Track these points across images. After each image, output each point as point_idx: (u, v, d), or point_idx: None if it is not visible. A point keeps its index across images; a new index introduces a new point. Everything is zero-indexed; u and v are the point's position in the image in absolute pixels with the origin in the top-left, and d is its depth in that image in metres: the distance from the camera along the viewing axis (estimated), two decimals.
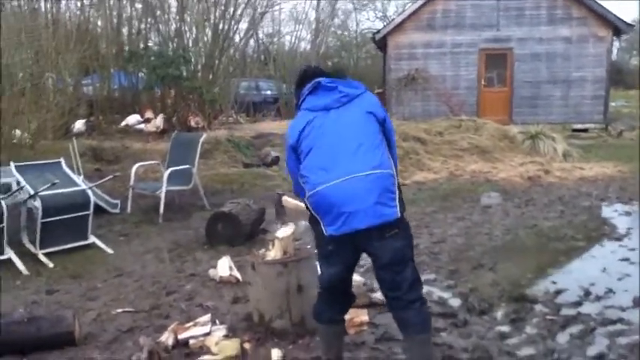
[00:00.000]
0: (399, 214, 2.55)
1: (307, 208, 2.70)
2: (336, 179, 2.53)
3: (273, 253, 3.53)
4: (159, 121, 10.79)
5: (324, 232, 2.59)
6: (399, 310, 2.67)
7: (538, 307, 3.91)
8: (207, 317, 3.54)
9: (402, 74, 16.52)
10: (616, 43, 28.09)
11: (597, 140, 14.37)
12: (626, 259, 4.94)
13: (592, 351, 3.24)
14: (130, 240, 5.73)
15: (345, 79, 2.79)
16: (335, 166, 2.56)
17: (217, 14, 13.19)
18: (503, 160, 9.96)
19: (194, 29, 12.86)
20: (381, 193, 2.52)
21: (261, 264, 3.47)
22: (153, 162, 7.71)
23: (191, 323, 3.47)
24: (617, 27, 16.48)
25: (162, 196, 6.38)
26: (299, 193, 2.86)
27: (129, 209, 6.70)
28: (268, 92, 20.18)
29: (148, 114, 11.21)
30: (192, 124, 11.28)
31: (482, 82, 16.60)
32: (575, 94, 16.61)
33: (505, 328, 3.57)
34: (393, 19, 18.14)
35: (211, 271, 4.56)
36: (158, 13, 13.02)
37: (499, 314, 3.81)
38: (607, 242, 5.53)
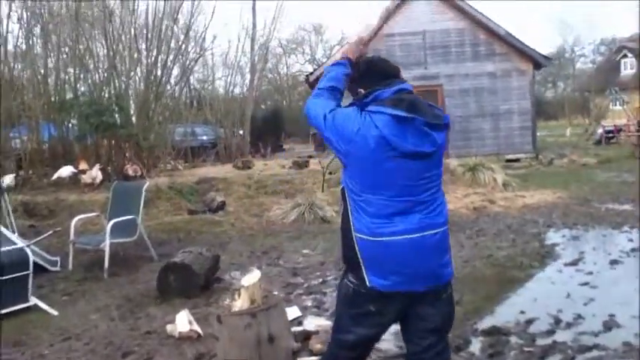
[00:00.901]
0: (453, 272, 2.40)
1: (348, 244, 2.32)
2: (407, 234, 2.22)
3: (240, 303, 3.32)
4: (95, 172, 10.32)
5: (367, 282, 2.26)
6: None
7: (513, 339, 3.86)
8: None
9: None
10: None
11: (530, 169, 14.91)
12: (586, 284, 5.00)
13: None
14: (75, 299, 5.31)
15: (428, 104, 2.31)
16: (406, 215, 2.23)
17: (149, 61, 12.99)
18: (447, 193, 9.90)
19: (124, 77, 12.53)
20: (444, 254, 2.34)
21: (228, 316, 3.24)
22: (93, 214, 7.31)
23: None
24: (536, 61, 17.47)
25: (107, 249, 5.99)
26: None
27: (70, 266, 6.25)
28: (204, 137, 19.92)
29: (83, 165, 10.72)
30: (130, 172, 10.86)
31: None
32: (505, 125, 17.34)
33: None
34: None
35: (169, 327, 4.25)
36: (87, 60, 12.63)
37: (476, 349, 3.72)
38: (563, 268, 5.60)
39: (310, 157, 16.26)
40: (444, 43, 17.22)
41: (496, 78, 17.24)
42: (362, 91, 2.36)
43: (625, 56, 35.65)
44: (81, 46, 12.41)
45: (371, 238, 2.24)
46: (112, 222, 6.16)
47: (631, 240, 6.51)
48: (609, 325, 4.00)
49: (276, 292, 3.54)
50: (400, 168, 2.21)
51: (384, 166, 2.20)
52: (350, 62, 2.51)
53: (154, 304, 5.04)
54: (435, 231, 2.28)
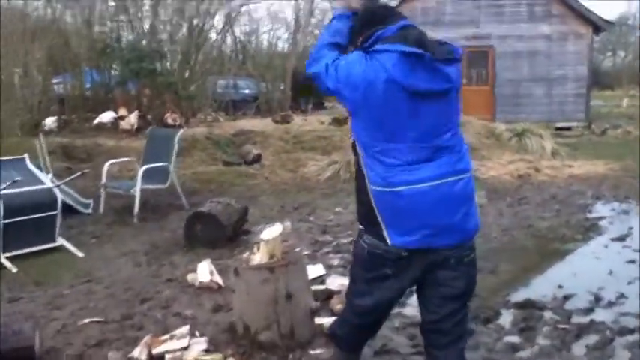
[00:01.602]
0: (479, 225, 2.18)
1: (363, 202, 2.15)
2: (422, 183, 2.01)
3: (259, 257, 3.16)
4: (133, 119, 10.32)
5: (388, 240, 2.07)
6: (437, 350, 2.23)
7: (547, 314, 3.61)
8: (185, 329, 3.16)
9: None
10: None
11: (581, 139, 14.25)
12: (632, 262, 4.67)
13: None
14: (102, 242, 5.31)
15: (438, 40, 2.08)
16: (425, 163, 2.03)
17: (191, 10, 12.78)
18: (491, 158, 9.69)
19: (168, 25, 12.40)
20: (470, 204, 2.12)
21: (246, 269, 3.10)
22: (126, 159, 7.28)
23: (167, 335, 3.08)
24: (596, 24, 16.44)
25: (137, 195, 5.96)
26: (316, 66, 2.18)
27: (101, 210, 6.26)
28: (247, 91, 19.74)
29: (122, 111, 10.73)
30: (170, 121, 10.81)
31: (464, 80, 16.40)
32: (557, 92, 16.51)
33: (514, 339, 3.26)
34: None
35: (190, 276, 4.17)
36: (131, 10, 12.53)
37: (506, 322, 3.49)
38: (609, 243, 5.25)
39: None
40: (498, 1, 16.36)
41: (552, 41, 16.31)
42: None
43: None
44: None
45: (389, 189, 2.03)
46: (143, 168, 6.12)
47: None
48: None
49: (297, 249, 3.37)
50: (414, 110, 2.01)
51: (397, 109, 2.00)
52: (354, 14, 2.26)
53: (180, 252, 4.99)
54: (459, 177, 2.07)
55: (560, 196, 7.31)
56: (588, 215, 6.33)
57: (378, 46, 2.03)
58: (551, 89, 16.49)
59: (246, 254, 3.31)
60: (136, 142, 9.36)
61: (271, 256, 3.13)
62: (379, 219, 2.08)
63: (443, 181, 2.03)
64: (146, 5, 13.00)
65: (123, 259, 4.82)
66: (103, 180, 6.31)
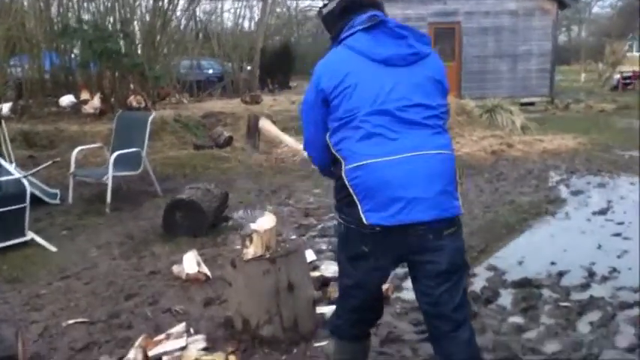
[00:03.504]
0: (459, 211, 2.05)
1: (338, 185, 2.08)
2: (395, 154, 1.93)
3: (253, 249, 2.99)
4: (97, 102, 9.89)
5: (364, 219, 1.95)
6: (443, 339, 2.11)
7: (546, 293, 3.58)
8: (181, 327, 2.99)
9: None
10: None
11: (546, 113, 14.45)
12: (618, 234, 4.71)
13: (622, 342, 2.91)
14: (74, 234, 5.02)
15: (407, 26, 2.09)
16: (393, 137, 1.96)
17: None
18: (464, 135, 9.68)
19: (131, 2, 11.86)
20: (448, 182, 1.99)
21: (245, 261, 2.93)
22: (95, 145, 6.94)
23: (162, 335, 2.90)
24: (561, 0, 16.58)
25: (109, 183, 5.68)
26: (323, 166, 2.25)
27: (70, 199, 5.95)
28: (210, 71, 19.30)
29: (85, 95, 10.26)
30: (134, 103, 10.38)
31: None
32: (522, 67, 16.66)
33: (519, 320, 3.21)
34: None
35: (175, 268, 3.98)
36: None
37: (507, 303, 3.44)
38: (592, 217, 5.28)
39: None
40: None
41: (518, 17, 16.38)
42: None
43: None
44: None
45: (361, 163, 1.95)
46: (115, 154, 5.82)
47: None
48: None
49: (283, 235, 3.21)
50: (382, 79, 1.99)
51: (364, 78, 2.00)
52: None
53: (159, 242, 4.76)
54: (437, 151, 1.98)
55: (536, 171, 7.35)
56: (567, 189, 6.36)
57: (344, 34, 2.10)
58: (516, 65, 16.60)
59: (239, 247, 3.14)
60: (100, 126, 8.99)
61: (267, 248, 2.97)
62: (354, 198, 1.98)
63: (420, 152, 1.95)
64: None
65: (99, 252, 4.56)
66: (72, 168, 5.98)
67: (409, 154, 1.94)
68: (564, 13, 39.87)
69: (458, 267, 2.06)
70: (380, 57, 2.01)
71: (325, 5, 2.26)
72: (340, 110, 2.02)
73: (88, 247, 4.70)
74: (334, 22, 2.19)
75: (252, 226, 3.00)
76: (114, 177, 5.76)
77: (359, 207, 1.96)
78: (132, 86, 10.94)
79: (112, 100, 10.72)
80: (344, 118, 2.01)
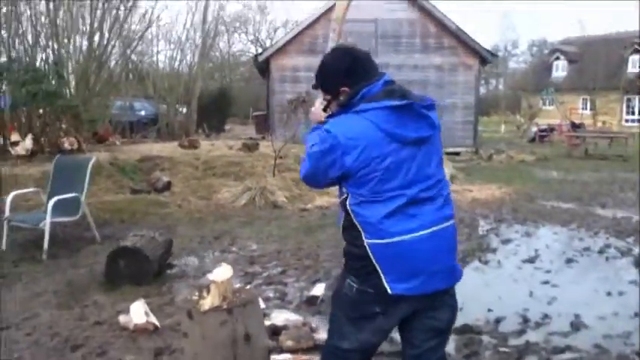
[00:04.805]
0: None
1: (355, 253, 2.12)
2: (419, 231, 2.05)
3: (210, 300, 3.03)
4: (28, 143, 9.59)
5: (388, 289, 2.05)
6: None
7: (485, 338, 3.79)
8: None
9: (289, 97, 16.40)
10: None
11: (471, 163, 15.20)
12: (547, 282, 5.03)
13: None
14: (10, 282, 4.83)
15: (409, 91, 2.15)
16: (413, 212, 2.07)
17: (89, 27, 12.19)
18: None
19: (66, 41, 11.69)
20: (456, 249, 2.22)
21: (201, 312, 2.96)
22: (31, 190, 6.74)
23: None
24: (483, 57, 17.76)
25: (47, 229, 5.52)
26: (315, 186, 2.28)
27: (3, 245, 5.73)
28: (142, 112, 19.10)
29: (15, 136, 9.92)
30: (66, 145, 10.15)
31: None
32: (448, 119, 17.51)
33: None
34: (276, 42, 18.09)
35: (122, 318, 3.92)
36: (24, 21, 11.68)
37: (450, 349, 3.60)
38: (522, 265, 5.62)
39: (263, 137, 15.92)
40: (395, 32, 17.22)
41: (443, 71, 17.42)
42: (346, 89, 2.17)
43: (557, 58, 37.14)
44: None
45: (386, 241, 2.05)
46: (54, 199, 5.68)
47: (581, 239, 6.65)
48: (577, 325, 4.00)
49: (249, 286, 3.28)
50: (406, 159, 2.06)
51: (391, 161, 2.04)
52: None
53: (101, 290, 4.67)
54: (448, 223, 2.15)
55: (467, 220, 7.72)
56: (497, 238, 6.74)
57: (365, 105, 2.07)
58: (441, 116, 17.41)
59: (185, 296, 3.16)
60: (31, 169, 8.73)
61: (224, 298, 3.02)
62: (377, 268, 2.07)
63: (436, 227, 2.09)
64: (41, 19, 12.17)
65: (39, 301, 4.42)
66: (7, 213, 5.78)
67: (430, 230, 2.07)
68: (484, 68, 42.68)
69: (451, 326, 2.26)
70: (405, 140, 2.06)
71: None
72: (364, 189, 2.06)
73: (26, 295, 4.54)
74: (337, 80, 2.19)
75: (209, 276, 3.05)
76: (51, 223, 5.61)
77: (382, 277, 2.06)
78: (64, 127, 10.69)
79: (42, 141, 10.42)
80: (368, 196, 2.07)
